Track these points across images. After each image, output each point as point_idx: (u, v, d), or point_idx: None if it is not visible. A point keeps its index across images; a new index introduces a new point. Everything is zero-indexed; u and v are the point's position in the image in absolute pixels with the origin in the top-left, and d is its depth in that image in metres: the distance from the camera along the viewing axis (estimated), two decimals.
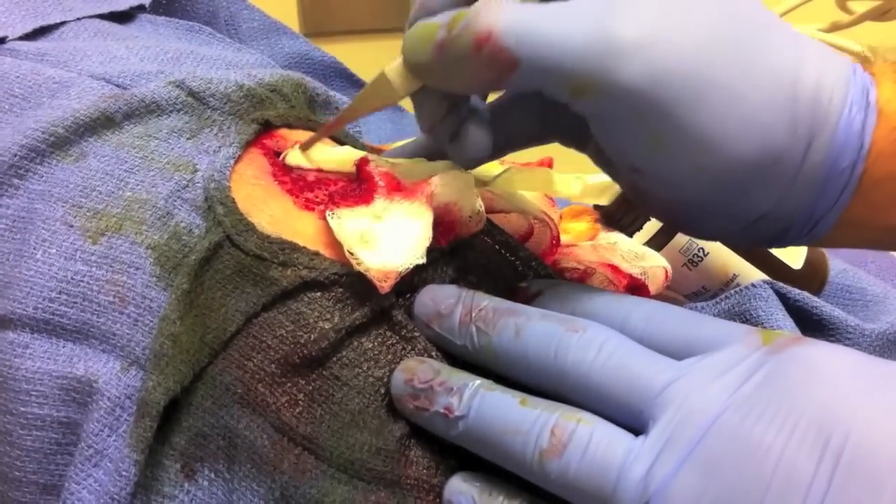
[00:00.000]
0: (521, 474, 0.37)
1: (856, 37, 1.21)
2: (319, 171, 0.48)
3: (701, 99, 0.37)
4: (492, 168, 0.53)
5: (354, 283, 0.42)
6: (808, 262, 0.64)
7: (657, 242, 0.62)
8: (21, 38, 0.55)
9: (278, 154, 0.49)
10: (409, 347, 0.42)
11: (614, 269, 0.56)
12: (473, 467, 0.40)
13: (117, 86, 0.50)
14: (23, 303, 0.41)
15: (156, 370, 0.39)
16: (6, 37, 0.54)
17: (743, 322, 0.56)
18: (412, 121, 0.81)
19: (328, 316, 0.41)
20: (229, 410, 0.40)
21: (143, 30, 0.63)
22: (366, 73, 0.54)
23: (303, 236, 0.44)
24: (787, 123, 0.38)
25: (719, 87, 0.37)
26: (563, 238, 0.57)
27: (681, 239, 0.62)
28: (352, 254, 0.41)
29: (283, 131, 0.51)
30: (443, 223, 0.45)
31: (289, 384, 0.40)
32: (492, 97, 0.49)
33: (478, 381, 0.39)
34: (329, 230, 0.43)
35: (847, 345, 0.57)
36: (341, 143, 0.53)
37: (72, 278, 0.42)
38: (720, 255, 0.62)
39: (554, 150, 0.54)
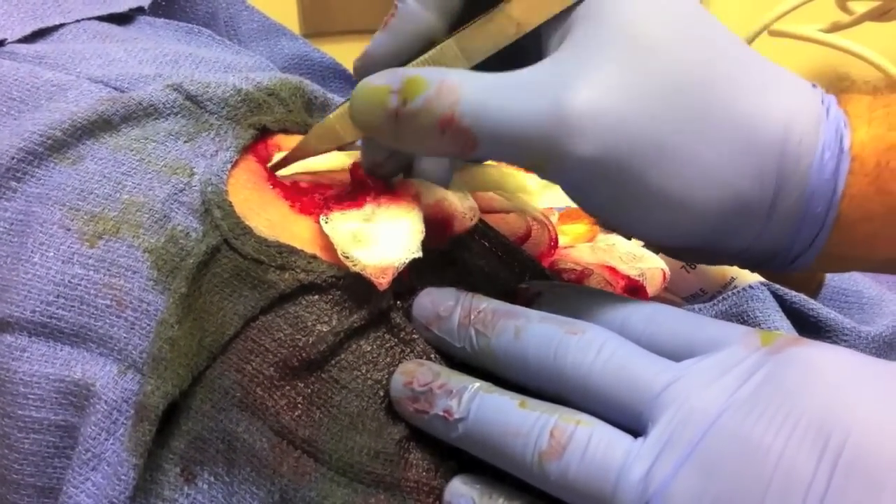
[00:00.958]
0: (520, 476, 0.37)
1: (855, 37, 1.21)
2: (314, 175, 0.48)
3: (659, 164, 0.38)
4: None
5: (352, 286, 0.42)
6: None
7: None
8: (20, 41, 0.55)
9: (270, 160, 0.49)
10: (408, 350, 0.42)
11: (612, 270, 0.56)
12: (473, 469, 0.40)
13: (115, 88, 0.50)
14: (20, 306, 0.41)
15: (154, 374, 0.39)
16: (5, 39, 0.54)
17: (740, 323, 0.56)
18: None
19: (326, 319, 0.41)
20: (228, 414, 0.40)
21: (142, 32, 0.63)
22: None
23: (300, 240, 0.44)
24: (753, 175, 0.38)
25: (676, 149, 0.38)
26: (561, 240, 0.57)
27: None
28: (346, 256, 0.41)
29: (280, 137, 0.51)
30: (436, 221, 0.45)
31: (287, 387, 0.40)
32: None
33: (477, 383, 0.39)
34: (325, 234, 0.43)
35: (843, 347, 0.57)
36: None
37: (69, 282, 0.42)
38: None
39: None
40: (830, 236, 0.40)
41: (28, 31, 0.56)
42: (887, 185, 0.38)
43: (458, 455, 0.40)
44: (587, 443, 0.35)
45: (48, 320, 0.41)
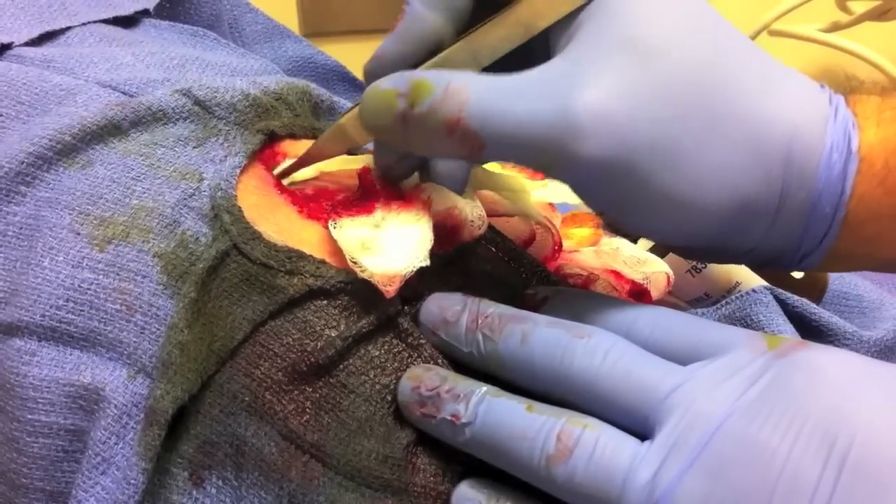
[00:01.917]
0: (527, 480, 0.37)
1: (855, 37, 1.21)
2: (322, 181, 0.49)
3: (665, 164, 0.38)
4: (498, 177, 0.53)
5: (360, 291, 0.42)
6: (808, 271, 0.64)
7: (661, 248, 0.62)
8: (26, 44, 0.55)
9: (278, 166, 0.49)
10: (416, 355, 0.42)
11: (617, 274, 0.56)
12: (480, 474, 0.40)
13: (124, 93, 0.50)
14: (30, 310, 0.42)
15: (163, 378, 0.39)
16: (12, 42, 0.54)
17: (744, 327, 0.56)
18: None
19: (334, 324, 0.41)
20: (237, 418, 0.40)
21: (147, 35, 0.63)
22: None
23: (308, 245, 0.44)
24: (760, 177, 0.39)
25: (683, 150, 0.38)
26: (565, 244, 0.57)
27: None
28: (355, 262, 0.41)
29: (288, 142, 0.51)
30: (445, 228, 0.45)
31: (296, 392, 0.40)
32: None
33: (484, 387, 0.39)
34: (334, 239, 0.43)
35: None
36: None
37: (79, 286, 0.42)
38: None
39: None
40: (838, 236, 0.40)
41: (35, 34, 0.56)
42: (892, 183, 0.39)
43: (466, 459, 0.40)
44: (594, 446, 0.36)
45: (58, 325, 0.41)
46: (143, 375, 0.40)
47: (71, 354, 0.41)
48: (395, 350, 0.42)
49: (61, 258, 0.42)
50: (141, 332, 0.41)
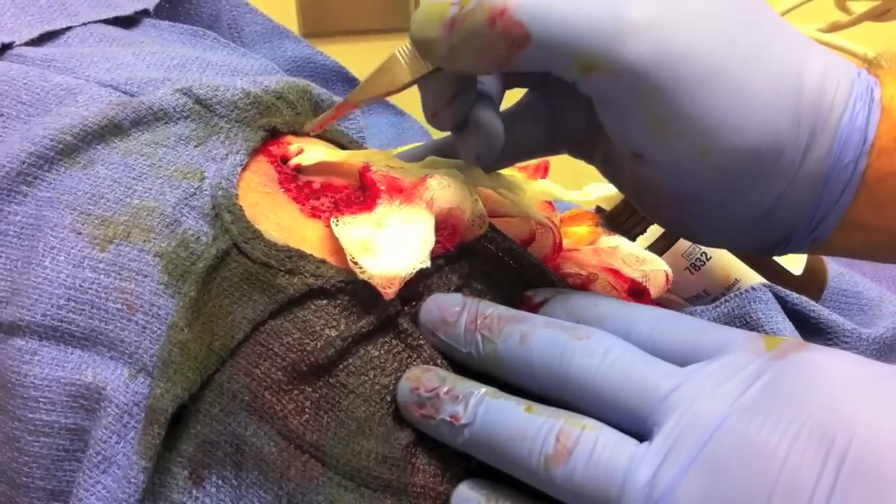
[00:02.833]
0: (527, 481, 0.38)
1: (855, 37, 1.21)
2: (326, 177, 0.49)
3: (705, 83, 0.38)
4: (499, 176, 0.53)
5: (360, 291, 0.42)
6: (807, 268, 0.64)
7: (660, 246, 0.62)
8: (27, 44, 0.55)
9: (285, 161, 0.49)
10: (415, 355, 0.42)
11: (616, 273, 0.56)
12: (480, 475, 0.40)
13: (125, 93, 0.51)
14: (31, 310, 0.42)
15: (164, 377, 0.40)
16: (13, 42, 0.54)
17: (743, 325, 0.57)
18: (413, 125, 0.81)
19: (334, 324, 0.42)
20: (237, 417, 0.40)
21: (147, 35, 0.63)
22: (366, 74, 0.54)
23: (309, 244, 0.44)
24: (791, 115, 0.39)
25: (724, 73, 0.38)
26: (564, 242, 0.58)
27: (683, 243, 0.62)
28: (355, 263, 0.41)
29: (290, 138, 0.51)
30: (446, 227, 0.45)
31: (295, 391, 0.40)
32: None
33: (483, 388, 0.39)
34: (335, 238, 0.43)
35: (844, 349, 0.57)
36: (344, 147, 0.54)
37: (80, 285, 0.42)
38: (722, 260, 0.62)
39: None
40: (855, 198, 0.40)
41: (35, 34, 0.56)
42: None
43: (465, 460, 0.41)
44: (593, 447, 0.36)
45: (59, 324, 0.41)
46: (143, 374, 0.40)
47: (72, 354, 0.41)
48: (395, 350, 0.42)
49: (62, 258, 0.42)
50: (142, 332, 0.41)
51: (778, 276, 0.62)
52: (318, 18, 1.45)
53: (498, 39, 0.39)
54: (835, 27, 1.23)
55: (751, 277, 0.62)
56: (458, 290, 0.45)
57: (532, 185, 0.55)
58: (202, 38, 0.65)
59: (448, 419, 0.39)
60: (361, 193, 0.47)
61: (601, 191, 0.57)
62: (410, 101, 0.46)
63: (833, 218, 0.41)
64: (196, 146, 0.47)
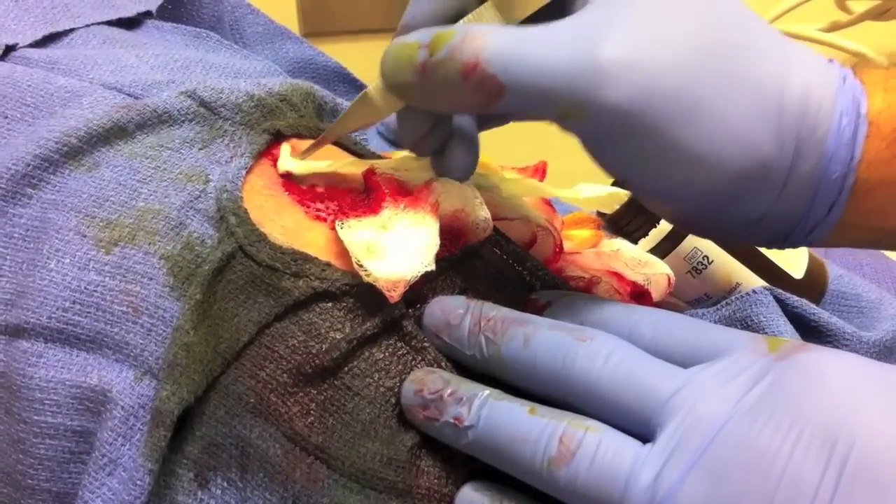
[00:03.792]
0: (530, 482, 0.38)
1: (855, 36, 1.22)
2: (330, 180, 0.49)
3: (685, 117, 0.38)
4: (490, 174, 0.53)
5: (365, 294, 0.42)
6: (808, 272, 0.64)
7: (662, 250, 0.62)
8: (30, 45, 0.55)
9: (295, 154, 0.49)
10: (420, 358, 0.42)
11: (618, 276, 0.56)
12: (484, 477, 0.40)
13: (129, 95, 0.51)
14: (36, 312, 0.42)
15: (169, 380, 0.40)
16: (17, 44, 0.54)
17: (744, 328, 0.57)
18: None
19: (339, 326, 0.42)
20: (242, 420, 0.40)
21: (150, 36, 0.63)
22: (365, 74, 0.54)
23: (314, 247, 0.44)
24: (773, 136, 0.39)
25: (703, 104, 0.38)
26: (566, 245, 0.58)
27: (685, 246, 0.62)
28: (360, 265, 0.41)
29: (294, 141, 0.51)
30: (451, 230, 0.45)
31: (301, 394, 0.40)
32: None
33: (487, 390, 0.40)
34: (340, 241, 0.43)
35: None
36: (350, 150, 0.54)
37: (85, 288, 0.42)
38: (724, 264, 0.62)
39: (551, 154, 0.54)
40: (847, 204, 0.40)
41: (39, 35, 0.56)
42: None
43: (469, 462, 0.41)
44: (596, 448, 0.36)
45: (64, 326, 0.41)
46: (149, 377, 0.41)
47: (77, 356, 0.42)
48: (399, 353, 0.42)
49: (67, 260, 0.42)
50: (147, 334, 0.41)
51: (779, 279, 0.63)
52: (319, 18, 1.45)
53: (472, 91, 0.39)
54: (835, 26, 1.23)
55: (752, 281, 0.62)
56: (461, 292, 0.45)
57: (521, 182, 0.55)
58: (205, 39, 0.65)
59: (452, 421, 0.39)
60: (366, 197, 0.47)
61: (591, 191, 0.57)
62: None
63: (827, 224, 0.41)
64: (201, 149, 0.48)
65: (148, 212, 0.44)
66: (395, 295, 0.41)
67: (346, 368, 0.41)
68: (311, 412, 0.40)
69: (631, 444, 0.36)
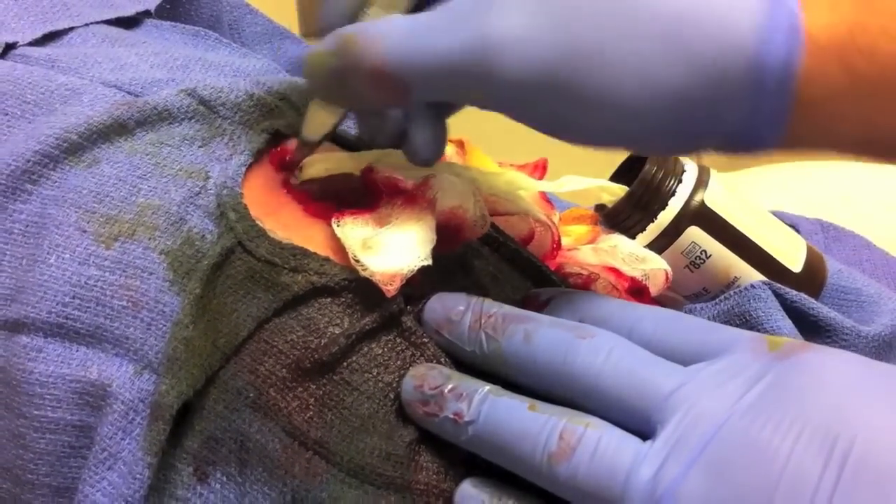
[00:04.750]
0: (530, 478, 0.38)
1: None
2: (328, 180, 0.49)
3: (587, 73, 0.37)
4: (487, 167, 0.54)
5: (364, 289, 0.42)
6: (807, 265, 0.64)
7: (659, 245, 0.62)
8: (31, 44, 0.55)
9: (287, 162, 0.49)
10: (419, 353, 0.43)
11: (616, 272, 0.56)
12: (483, 472, 0.40)
13: (129, 93, 0.51)
14: (36, 307, 0.42)
15: (169, 374, 0.40)
16: (16, 42, 0.54)
17: (742, 322, 0.57)
18: None
19: (338, 321, 0.42)
20: (241, 414, 0.40)
21: (149, 35, 0.63)
22: None
23: (313, 243, 0.44)
24: (686, 71, 0.36)
25: (602, 57, 0.37)
26: (564, 241, 0.58)
27: (683, 241, 0.62)
28: (357, 261, 0.42)
29: (293, 141, 0.51)
30: (449, 227, 0.45)
31: (300, 389, 0.40)
32: None
33: (487, 386, 0.40)
34: (338, 237, 0.43)
35: (843, 347, 0.57)
36: (350, 146, 0.54)
37: (85, 283, 0.42)
38: (722, 258, 0.62)
39: (552, 152, 0.54)
40: (794, 117, 0.37)
41: (38, 34, 0.56)
42: (854, 63, 0.36)
43: (468, 458, 0.41)
44: (596, 445, 0.36)
45: (64, 321, 0.41)
46: (149, 371, 0.41)
47: (77, 351, 0.42)
48: (399, 348, 0.43)
49: (68, 255, 0.42)
50: (147, 329, 0.41)
51: (777, 273, 0.62)
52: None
53: (386, 92, 0.40)
54: None
55: (750, 275, 0.62)
56: (461, 289, 0.45)
57: (504, 174, 0.55)
58: (204, 38, 0.65)
59: (452, 416, 0.39)
60: (364, 194, 0.47)
61: (576, 183, 0.57)
62: None
63: (774, 137, 0.38)
64: (200, 146, 0.48)
65: (148, 207, 0.44)
66: (391, 289, 0.41)
67: (344, 363, 0.41)
68: (310, 407, 0.40)
69: (631, 440, 0.36)
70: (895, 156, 0.40)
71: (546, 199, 0.58)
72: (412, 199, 0.45)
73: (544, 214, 0.54)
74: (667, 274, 0.59)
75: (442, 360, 0.43)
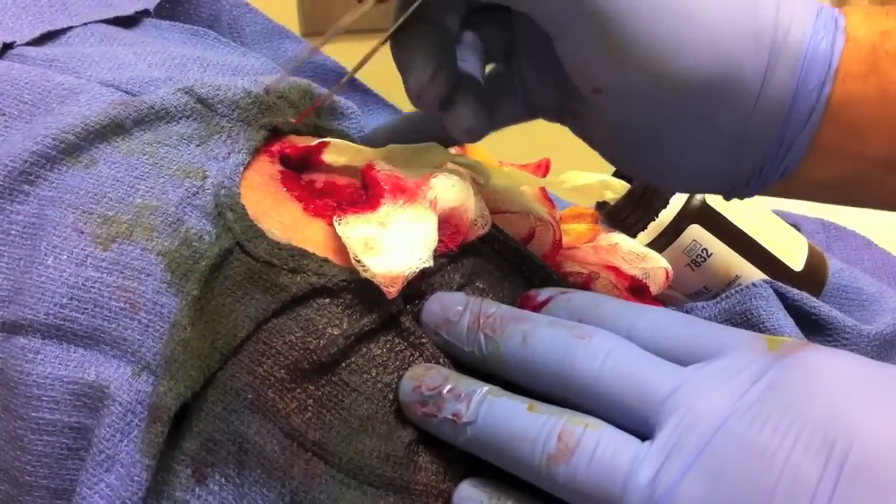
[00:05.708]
0: (529, 479, 0.38)
1: None
2: (329, 176, 0.49)
3: (653, 5, 0.38)
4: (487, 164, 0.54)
5: (363, 290, 0.42)
6: (808, 264, 0.64)
7: (660, 243, 0.62)
8: (29, 44, 0.55)
9: (286, 159, 0.49)
10: (418, 354, 0.42)
11: (616, 270, 0.56)
12: (482, 473, 0.40)
13: (126, 92, 0.51)
14: (34, 308, 0.42)
15: (167, 375, 0.40)
16: (14, 42, 0.54)
17: (743, 321, 0.57)
18: None
19: (337, 322, 0.42)
20: (240, 416, 0.40)
21: (148, 34, 0.63)
22: (365, 74, 0.54)
23: (312, 243, 0.44)
24: (747, 38, 0.39)
25: (670, 3, 0.38)
26: (564, 240, 0.58)
27: (684, 240, 0.62)
28: (358, 261, 0.41)
29: (292, 138, 0.51)
30: (449, 227, 0.45)
31: (298, 390, 0.40)
32: None
33: (486, 387, 0.40)
34: (338, 237, 0.43)
35: (844, 345, 0.57)
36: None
37: (83, 284, 0.42)
38: (723, 257, 0.62)
39: (554, 153, 0.54)
40: (823, 122, 0.40)
41: (36, 33, 0.56)
42: (883, 67, 0.39)
43: (467, 459, 0.41)
44: (595, 446, 0.36)
45: (61, 322, 0.41)
46: (147, 373, 0.41)
47: (75, 352, 0.41)
48: (397, 349, 0.42)
49: (65, 257, 0.42)
50: (145, 330, 0.41)
51: (778, 271, 0.63)
52: (319, 18, 1.45)
53: None
54: None
55: (751, 274, 0.62)
56: (460, 289, 0.45)
57: (505, 170, 0.55)
58: (203, 37, 0.65)
59: (450, 417, 0.39)
60: (364, 193, 0.47)
61: (579, 178, 0.57)
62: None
63: (801, 145, 0.41)
64: (198, 146, 0.47)
65: (145, 208, 0.44)
66: (392, 291, 0.41)
67: (343, 364, 0.41)
68: (309, 408, 0.40)
69: (630, 441, 0.36)
70: None
71: (547, 196, 0.58)
72: (413, 197, 0.45)
73: (546, 212, 0.54)
74: (667, 272, 0.59)
75: (441, 360, 0.43)
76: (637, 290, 0.57)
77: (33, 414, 0.41)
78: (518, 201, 0.53)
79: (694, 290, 0.65)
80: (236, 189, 0.45)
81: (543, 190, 0.57)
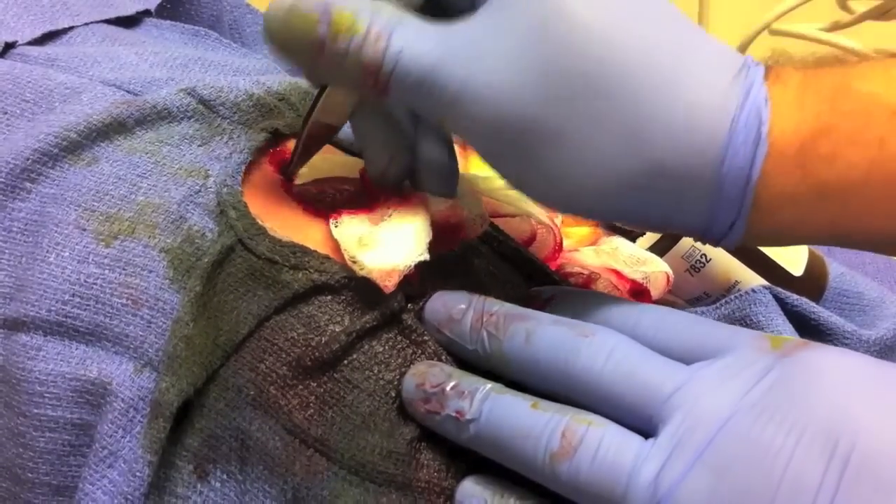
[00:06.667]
0: (531, 477, 0.38)
1: (856, 36, 1.21)
2: (326, 181, 0.49)
3: (552, 144, 0.38)
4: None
5: (364, 287, 0.42)
6: (808, 269, 0.64)
7: (660, 247, 0.62)
8: (30, 43, 0.55)
9: (286, 162, 0.49)
10: (420, 351, 0.42)
11: (617, 274, 0.56)
12: (484, 470, 0.40)
13: (128, 92, 0.51)
14: (36, 305, 0.42)
15: (169, 372, 0.40)
16: (16, 41, 0.54)
17: (743, 326, 0.57)
18: None
19: (339, 319, 0.42)
20: (242, 412, 0.40)
21: (149, 34, 0.63)
22: None
23: (312, 241, 0.44)
24: (647, 168, 0.37)
25: (568, 134, 0.38)
26: (565, 243, 0.58)
27: (684, 244, 0.62)
28: (354, 261, 0.42)
29: (292, 141, 0.51)
30: (448, 226, 0.45)
31: (300, 386, 0.40)
32: None
33: (489, 384, 0.39)
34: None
35: None
36: (348, 150, 0.54)
37: (85, 281, 0.42)
38: (722, 262, 0.62)
39: None
40: (753, 220, 0.38)
41: (38, 33, 0.56)
42: (815, 169, 0.37)
43: (469, 456, 0.40)
44: (598, 444, 0.36)
45: (64, 319, 0.41)
46: (149, 369, 0.41)
47: (77, 349, 0.42)
48: (399, 346, 0.42)
49: (67, 254, 0.42)
50: (147, 326, 0.41)
51: (778, 276, 0.63)
52: None
53: (363, 83, 0.40)
54: (836, 26, 1.23)
55: (751, 279, 0.62)
56: (462, 288, 0.45)
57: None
58: (204, 37, 0.65)
59: (453, 415, 0.39)
60: (362, 195, 0.47)
61: None
62: None
63: (734, 235, 0.40)
64: (200, 146, 0.48)
65: (148, 206, 0.44)
66: (389, 285, 0.41)
67: (345, 361, 0.41)
68: (311, 405, 0.40)
69: (633, 439, 0.36)
70: (868, 249, 0.41)
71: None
72: (408, 199, 0.45)
73: (546, 216, 0.54)
74: (668, 276, 0.59)
75: (443, 358, 0.43)
76: (638, 295, 0.57)
77: (35, 411, 0.41)
78: (518, 205, 0.53)
79: (694, 295, 0.65)
80: (239, 187, 0.45)
81: None
